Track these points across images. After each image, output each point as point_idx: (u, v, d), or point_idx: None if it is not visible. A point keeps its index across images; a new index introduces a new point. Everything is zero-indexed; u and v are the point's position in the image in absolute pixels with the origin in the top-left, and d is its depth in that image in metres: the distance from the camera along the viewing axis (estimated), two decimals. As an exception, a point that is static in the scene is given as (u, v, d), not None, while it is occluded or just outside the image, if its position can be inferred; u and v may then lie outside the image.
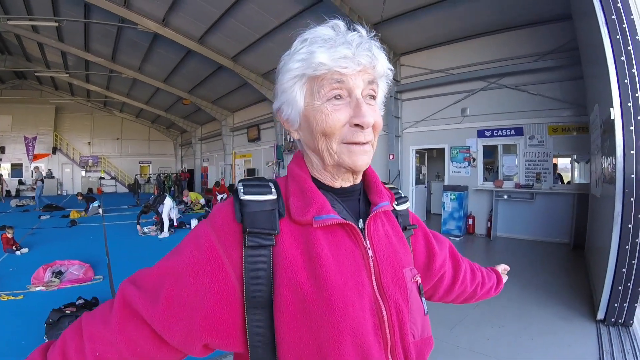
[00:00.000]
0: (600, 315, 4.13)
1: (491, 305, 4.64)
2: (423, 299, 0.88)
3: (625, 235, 3.84)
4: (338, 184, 0.85)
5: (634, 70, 3.75)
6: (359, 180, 0.88)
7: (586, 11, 4.78)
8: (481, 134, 10.05)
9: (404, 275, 0.84)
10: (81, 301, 4.71)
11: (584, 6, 4.98)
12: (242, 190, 0.76)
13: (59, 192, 27.44)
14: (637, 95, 3.74)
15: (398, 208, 0.98)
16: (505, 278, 1.44)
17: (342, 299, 0.71)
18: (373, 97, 0.81)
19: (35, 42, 17.27)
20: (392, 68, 0.83)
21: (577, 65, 7.77)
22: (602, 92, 4.60)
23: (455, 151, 10.59)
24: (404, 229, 0.97)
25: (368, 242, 0.81)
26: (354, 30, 0.78)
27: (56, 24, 13.55)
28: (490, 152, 10.33)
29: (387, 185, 1.00)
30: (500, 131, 9.71)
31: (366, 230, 0.82)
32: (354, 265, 0.77)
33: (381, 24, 9.60)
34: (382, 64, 0.79)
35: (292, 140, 0.73)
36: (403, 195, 1.04)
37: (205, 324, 0.69)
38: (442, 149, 11.05)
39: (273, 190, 0.78)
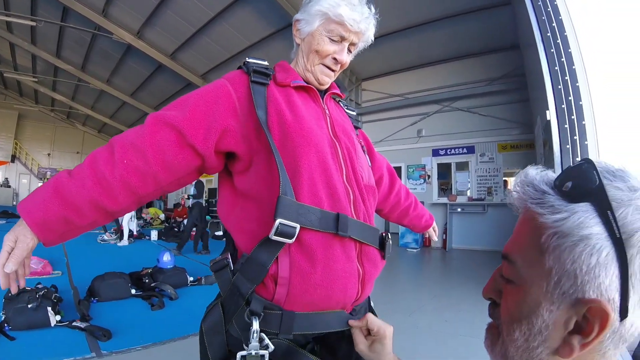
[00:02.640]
0: None
1: (448, 298, 5.14)
2: (367, 156, 1.29)
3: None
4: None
5: (567, 77, 4.40)
6: None
7: (528, 35, 5.52)
8: (436, 152, 10.86)
9: (351, 134, 1.21)
10: (40, 285, 4.28)
11: (527, 32, 5.72)
12: (247, 58, 1.15)
13: (14, 202, 26.29)
14: (570, 98, 4.36)
15: (347, 111, 1.38)
16: (435, 237, 1.79)
17: (310, 127, 1.04)
18: (351, 50, 1.19)
19: (7, 42, 16.92)
20: (373, 39, 1.22)
21: (524, 89, 8.65)
22: (541, 102, 5.28)
23: (412, 169, 11.31)
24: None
25: (325, 105, 1.18)
26: (368, 3, 1.16)
27: (33, 24, 13.33)
28: (444, 174, 11.07)
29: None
30: (453, 150, 10.54)
31: (324, 99, 1.19)
32: (316, 115, 1.13)
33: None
34: (370, 35, 1.18)
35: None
36: (353, 109, 1.44)
37: (220, 121, 0.99)
38: (400, 168, 11.63)
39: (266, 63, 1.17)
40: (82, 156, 30.36)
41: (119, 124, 25.20)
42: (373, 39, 1.22)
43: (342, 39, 1.13)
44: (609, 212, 0.45)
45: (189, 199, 9.50)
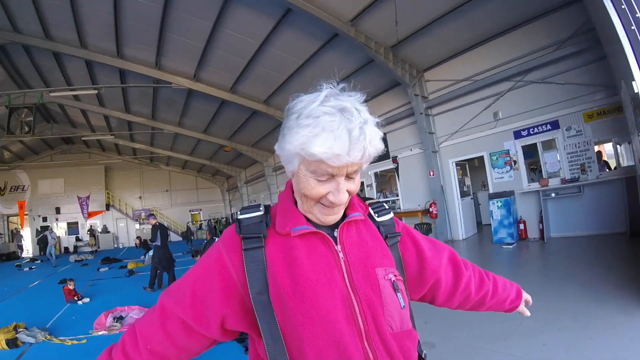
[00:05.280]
0: None
1: (545, 310, 4.51)
2: (399, 294, 1.01)
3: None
4: None
5: None
6: None
7: None
8: (517, 134, 9.88)
9: (375, 273, 0.99)
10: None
11: None
12: (239, 213, 1.04)
13: (115, 245, 29.18)
14: None
15: (379, 219, 1.15)
16: (527, 313, 1.50)
17: (313, 290, 0.91)
18: (353, 177, 0.96)
19: (78, 110, 18.85)
20: (383, 147, 0.94)
21: (598, 46, 7.44)
22: (624, 67, 4.44)
23: (495, 157, 10.44)
24: (386, 237, 1.12)
25: (339, 246, 1.00)
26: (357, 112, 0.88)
27: (95, 92, 14.69)
28: (530, 153, 10.07)
29: (369, 201, 1.18)
30: (536, 128, 9.50)
31: (338, 237, 1.01)
32: (327, 266, 0.96)
33: (398, 45, 9.83)
34: (371, 152, 0.91)
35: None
36: (387, 208, 1.20)
37: (218, 309, 0.97)
38: (482, 157, 10.90)
39: (261, 209, 1.04)
40: (171, 193, 33.30)
41: (199, 158, 26.99)
42: (382, 147, 0.93)
43: (333, 175, 0.91)
44: None
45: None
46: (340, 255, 0.99)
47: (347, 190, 0.95)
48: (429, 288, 1.24)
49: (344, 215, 1.05)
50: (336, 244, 1.00)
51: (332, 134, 0.83)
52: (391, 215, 1.19)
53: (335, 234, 1.02)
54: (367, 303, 0.95)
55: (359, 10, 9.27)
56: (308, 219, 1.01)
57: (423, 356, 1.09)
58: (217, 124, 18.60)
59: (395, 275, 1.04)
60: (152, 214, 10.83)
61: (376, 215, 1.15)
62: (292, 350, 0.91)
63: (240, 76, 12.99)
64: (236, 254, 0.98)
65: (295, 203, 1.05)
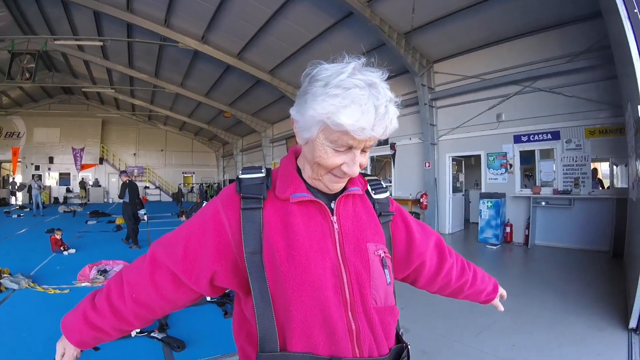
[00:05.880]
0: (633, 323, 4.00)
1: (522, 313, 4.62)
2: (386, 270, 1.04)
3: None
4: None
5: None
6: None
7: (611, 6, 4.62)
8: (517, 139, 9.88)
9: (366, 248, 1.02)
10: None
11: (609, 2, 4.86)
12: (240, 172, 1.03)
13: (105, 199, 29.18)
14: None
15: (376, 196, 1.17)
16: (500, 307, 1.52)
17: (306, 257, 0.93)
18: (366, 150, 0.97)
19: (81, 60, 18.51)
20: (397, 126, 0.95)
21: (610, 65, 7.50)
22: (632, 89, 4.45)
23: (492, 158, 10.45)
24: (380, 214, 1.14)
25: (335, 217, 1.02)
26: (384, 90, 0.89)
27: (100, 44, 14.42)
28: (527, 158, 10.10)
29: (368, 177, 1.20)
30: (536, 136, 9.51)
31: (335, 208, 1.03)
32: (322, 235, 0.98)
33: (412, 32, 9.73)
34: (391, 129, 0.92)
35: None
36: (384, 186, 1.22)
37: (209, 265, 0.97)
38: (479, 156, 10.93)
39: (263, 171, 1.04)
40: (166, 153, 33.06)
41: (197, 121, 26.71)
42: (397, 126, 0.95)
43: (351, 147, 0.92)
44: None
45: None
46: (335, 226, 1.01)
47: (359, 163, 0.97)
48: (414, 269, 1.27)
49: (344, 188, 1.06)
50: (332, 215, 1.02)
51: (361, 107, 0.84)
52: (387, 194, 1.21)
53: (332, 205, 1.03)
54: (356, 275, 0.97)
55: (378, -9, 9.11)
56: (308, 187, 1.02)
57: (400, 334, 1.11)
58: (219, 89, 18.41)
59: (384, 252, 1.06)
60: (125, 172, 11.01)
61: (373, 192, 1.18)
62: (279, 312, 0.93)
63: (248, 43, 12.78)
64: (234, 212, 0.99)
65: (298, 170, 1.06)
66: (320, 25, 10.91)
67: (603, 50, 7.78)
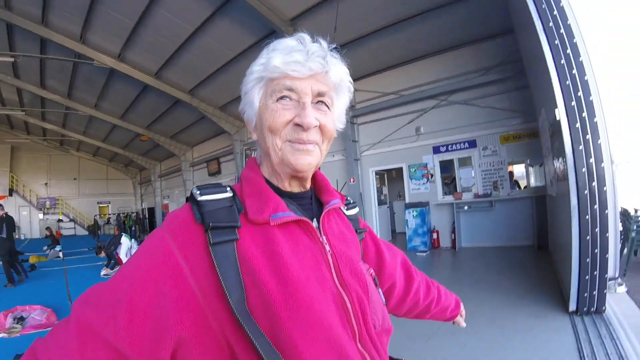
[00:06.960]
0: (572, 307, 4.28)
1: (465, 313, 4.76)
2: (380, 290, 0.94)
3: (584, 227, 4.06)
4: (288, 187, 0.88)
5: (574, 71, 4.04)
6: (308, 186, 0.93)
7: (526, 22, 5.12)
8: (436, 150, 10.47)
9: (361, 269, 0.88)
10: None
11: (523, 18, 5.34)
12: (198, 193, 0.77)
13: (17, 236, 26.18)
14: (579, 94, 4.01)
15: (348, 213, 1.05)
16: (463, 324, 1.47)
17: (307, 292, 0.73)
18: (326, 105, 0.85)
19: None
20: (352, 80, 0.90)
21: (521, 75, 8.37)
22: (547, 96, 4.91)
23: (414, 169, 10.93)
24: (356, 231, 1.03)
25: (324, 237, 0.84)
26: (316, 39, 0.85)
27: (12, 59, 13.26)
28: (447, 167, 10.69)
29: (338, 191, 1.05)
30: (454, 145, 10.14)
31: (321, 227, 0.86)
32: (314, 260, 0.80)
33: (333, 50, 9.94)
34: (337, 73, 0.85)
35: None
36: (352, 202, 1.11)
37: (169, 331, 0.66)
38: (401, 168, 11.36)
39: (228, 189, 0.80)
40: (80, 182, 30.71)
41: (112, 146, 25.15)
42: (351, 81, 0.90)
43: (294, 92, 0.80)
44: None
45: None
46: (327, 247, 0.84)
47: (320, 124, 0.83)
48: (383, 292, 1.11)
49: (321, 204, 0.94)
50: (320, 235, 0.85)
51: (292, 47, 0.81)
52: (357, 209, 1.12)
53: (316, 224, 0.86)
54: (359, 302, 0.82)
55: (300, 10, 9.27)
56: (287, 203, 0.84)
57: None
58: (136, 110, 17.50)
59: (374, 271, 0.98)
60: (1, 205, 10.18)
61: (345, 207, 1.06)
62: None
63: (167, 61, 12.32)
64: (195, 250, 0.72)
65: (268, 182, 0.87)
66: (242, 43, 10.81)
67: (514, 63, 8.64)
